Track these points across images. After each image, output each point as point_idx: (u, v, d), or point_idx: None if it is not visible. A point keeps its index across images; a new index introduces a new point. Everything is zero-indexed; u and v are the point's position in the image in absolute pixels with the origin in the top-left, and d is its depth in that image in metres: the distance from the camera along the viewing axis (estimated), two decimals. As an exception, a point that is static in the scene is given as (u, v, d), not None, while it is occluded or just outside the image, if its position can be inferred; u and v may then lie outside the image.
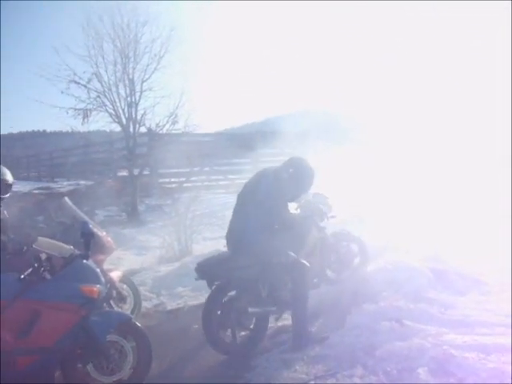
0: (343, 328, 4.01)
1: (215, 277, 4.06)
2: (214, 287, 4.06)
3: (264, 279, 4.10)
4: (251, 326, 4.12)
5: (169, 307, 5.64)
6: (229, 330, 4.03)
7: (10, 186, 4.50)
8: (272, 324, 4.33)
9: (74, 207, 5.04)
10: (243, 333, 4.15)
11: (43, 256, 3.31)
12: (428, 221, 6.84)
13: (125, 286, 5.01)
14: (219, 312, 3.99)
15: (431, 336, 3.47)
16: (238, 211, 4.24)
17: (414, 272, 4.50)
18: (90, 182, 16.41)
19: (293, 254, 4.05)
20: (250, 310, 3.99)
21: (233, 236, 4.18)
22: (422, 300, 4.10)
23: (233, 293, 4.10)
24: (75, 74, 11.73)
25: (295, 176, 4.17)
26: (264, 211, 3.99)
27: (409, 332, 3.59)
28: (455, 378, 2.97)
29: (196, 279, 4.21)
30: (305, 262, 4.07)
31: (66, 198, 5.23)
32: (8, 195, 4.47)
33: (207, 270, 4.05)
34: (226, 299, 4.07)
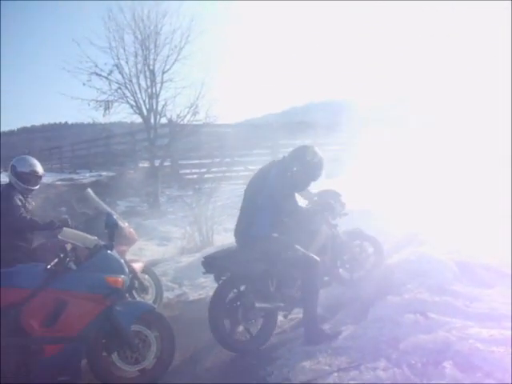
0: (366, 320, 3.96)
1: (222, 270, 3.99)
2: (220, 282, 4.00)
3: (272, 274, 4.03)
4: (259, 324, 4.04)
5: (191, 297, 5.69)
6: (235, 326, 3.97)
7: (40, 177, 4.70)
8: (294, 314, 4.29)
9: (96, 198, 5.10)
10: (251, 329, 4.06)
11: (68, 246, 3.36)
12: (451, 213, 6.74)
13: (146, 277, 5.07)
14: (226, 307, 3.93)
15: (456, 329, 3.41)
16: (245, 206, 4.16)
17: (439, 264, 4.42)
18: (111, 174, 16.60)
19: (301, 248, 3.97)
20: (258, 305, 3.90)
21: (240, 231, 4.11)
22: (447, 293, 4.03)
23: (240, 288, 4.02)
24: (96, 66, 11.90)
25: (303, 165, 4.06)
26: (272, 204, 3.92)
27: (433, 325, 3.53)
28: (482, 371, 2.91)
29: (203, 273, 4.18)
30: (315, 256, 3.98)
31: (89, 189, 5.29)
32: (37, 187, 4.59)
33: (214, 263, 3.98)
34: (232, 294, 4.00)
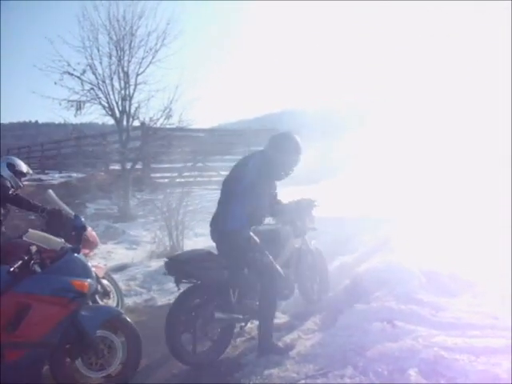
0: (334, 328, 3.99)
1: (184, 275, 3.85)
2: (181, 292, 3.87)
3: (235, 283, 3.94)
4: (215, 336, 3.94)
5: (159, 302, 5.62)
6: (192, 337, 3.83)
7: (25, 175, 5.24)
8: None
9: (58, 200, 4.97)
10: (207, 341, 3.95)
11: (33, 249, 3.27)
12: (424, 221, 6.87)
13: (106, 282, 4.96)
14: (184, 318, 3.80)
15: (422, 337, 3.47)
16: (223, 197, 4.05)
17: (406, 273, 4.49)
18: (81, 175, 16.32)
19: (270, 256, 3.88)
20: (217, 315, 3.80)
21: (216, 224, 3.99)
22: (414, 301, 4.09)
23: (201, 298, 3.88)
24: (69, 65, 11.62)
25: (281, 152, 3.94)
26: (252, 192, 3.80)
27: (400, 333, 3.58)
28: (445, 379, 2.97)
29: (164, 274, 4.10)
30: (280, 270, 3.93)
31: (50, 191, 5.17)
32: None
33: (177, 266, 3.84)
34: (193, 304, 3.86)
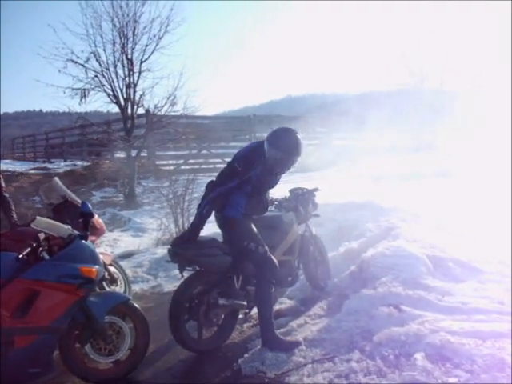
0: (341, 313, 4.01)
1: (187, 262, 3.82)
2: (184, 279, 3.86)
3: (238, 270, 3.94)
4: (219, 322, 3.94)
5: (166, 289, 5.65)
6: (196, 324, 3.85)
7: None
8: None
9: (64, 187, 4.99)
10: (211, 327, 3.95)
11: (41, 236, 3.29)
12: (431, 209, 6.88)
13: (113, 269, 5.00)
14: (187, 305, 3.79)
15: (428, 322, 3.49)
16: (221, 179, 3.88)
17: (413, 259, 4.49)
18: (86, 163, 16.36)
19: (266, 247, 3.82)
20: (221, 302, 3.81)
21: (217, 210, 3.88)
22: (420, 287, 4.10)
23: (205, 284, 3.87)
24: (73, 53, 11.59)
25: (281, 151, 3.76)
26: (253, 187, 3.77)
27: (406, 318, 3.60)
28: (451, 363, 2.99)
29: (167, 261, 4.10)
30: (276, 261, 3.85)
31: (56, 178, 5.19)
32: None
33: (180, 253, 3.79)
34: (196, 291, 3.84)
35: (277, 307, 4.40)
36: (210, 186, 3.79)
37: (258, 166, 3.75)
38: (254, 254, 3.79)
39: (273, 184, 3.99)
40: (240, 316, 4.18)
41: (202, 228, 3.80)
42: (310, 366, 3.32)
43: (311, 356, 3.45)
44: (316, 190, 4.81)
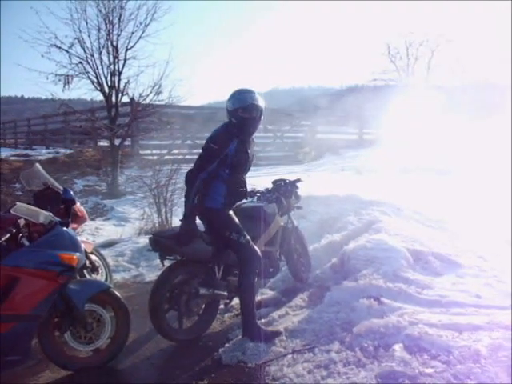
0: (322, 304, 4.05)
1: (168, 251, 3.81)
2: (165, 268, 3.84)
3: (219, 260, 3.93)
4: (200, 311, 3.94)
5: (147, 278, 5.64)
6: (176, 313, 3.84)
7: None
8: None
9: (45, 174, 4.93)
10: (191, 317, 3.95)
11: (21, 222, 3.25)
12: (412, 202, 6.97)
13: (94, 258, 4.96)
14: (168, 294, 3.78)
15: (408, 314, 3.55)
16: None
17: (394, 252, 4.54)
18: (69, 151, 16.15)
19: (248, 237, 3.80)
20: (202, 291, 3.81)
21: (199, 201, 3.78)
22: (401, 280, 4.16)
23: (186, 274, 3.86)
24: (56, 38, 11.35)
25: (245, 106, 3.71)
26: (231, 170, 3.72)
27: (386, 310, 3.65)
28: (429, 354, 3.05)
29: (148, 250, 4.08)
30: (259, 251, 3.84)
31: (37, 165, 5.12)
32: None
33: (161, 242, 3.76)
34: (177, 280, 3.83)
35: (258, 298, 4.41)
36: (192, 175, 3.73)
37: (232, 140, 3.72)
38: (237, 244, 3.77)
39: (249, 163, 3.88)
40: (221, 306, 4.19)
41: (195, 219, 3.77)
42: (290, 356, 3.36)
43: (291, 346, 3.49)
44: (298, 180, 4.83)
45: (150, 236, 3.91)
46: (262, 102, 3.80)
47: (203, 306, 3.95)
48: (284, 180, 4.81)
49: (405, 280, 4.17)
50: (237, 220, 3.84)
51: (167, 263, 3.88)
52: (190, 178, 3.74)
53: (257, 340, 3.60)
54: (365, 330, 3.42)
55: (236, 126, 3.76)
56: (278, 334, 3.67)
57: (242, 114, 3.73)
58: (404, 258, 4.53)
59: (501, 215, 6.26)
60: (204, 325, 4.00)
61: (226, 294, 4.03)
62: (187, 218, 3.69)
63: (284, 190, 4.65)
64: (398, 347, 3.13)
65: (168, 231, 4.04)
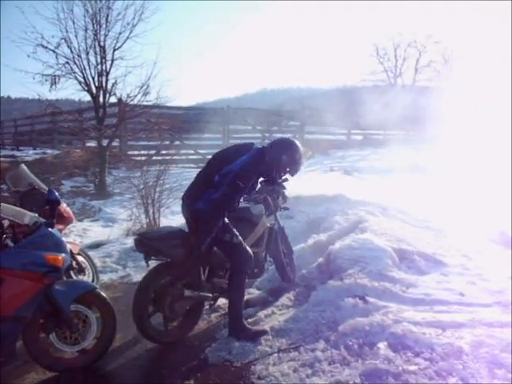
0: (308, 303, 4.08)
1: (153, 252, 3.74)
2: (149, 270, 3.80)
3: (204, 262, 3.89)
4: (184, 313, 3.90)
5: (134, 279, 5.61)
6: (160, 315, 3.81)
7: None
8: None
9: (31, 175, 4.90)
10: (175, 319, 3.91)
11: (6, 223, 3.24)
12: (398, 202, 7.04)
13: (81, 259, 4.94)
14: (152, 295, 3.75)
15: (392, 313, 3.59)
16: (200, 178, 3.89)
17: (379, 251, 4.59)
18: (56, 152, 16.04)
19: (240, 237, 3.82)
20: (187, 293, 3.76)
21: (187, 202, 3.84)
22: (386, 279, 4.21)
23: (170, 275, 3.81)
24: (43, 38, 11.29)
25: (289, 158, 3.88)
26: (227, 181, 3.68)
27: (371, 309, 3.70)
28: (412, 351, 3.10)
29: (133, 250, 4.04)
30: (250, 250, 3.86)
31: (23, 165, 5.09)
32: None
33: (146, 243, 3.72)
34: (161, 282, 3.79)
35: (245, 297, 4.43)
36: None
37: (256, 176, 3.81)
38: (230, 245, 3.78)
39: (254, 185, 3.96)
40: (206, 307, 4.19)
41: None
42: (275, 355, 3.38)
43: (277, 345, 3.51)
44: (285, 180, 4.81)
45: (135, 237, 3.89)
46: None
47: (187, 307, 3.92)
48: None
49: (390, 279, 4.22)
50: (227, 220, 3.82)
51: (152, 263, 3.85)
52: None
53: (243, 339, 3.62)
54: (350, 328, 3.46)
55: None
56: (263, 333, 3.69)
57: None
58: (389, 257, 4.58)
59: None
60: (188, 326, 3.98)
61: (210, 295, 4.01)
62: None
63: (271, 190, 4.66)
64: (382, 345, 3.17)
65: (153, 232, 4.02)
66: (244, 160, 3.75)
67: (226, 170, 3.73)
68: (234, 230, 3.82)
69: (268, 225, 4.57)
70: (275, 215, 4.76)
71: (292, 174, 4.05)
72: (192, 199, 3.80)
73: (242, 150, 3.87)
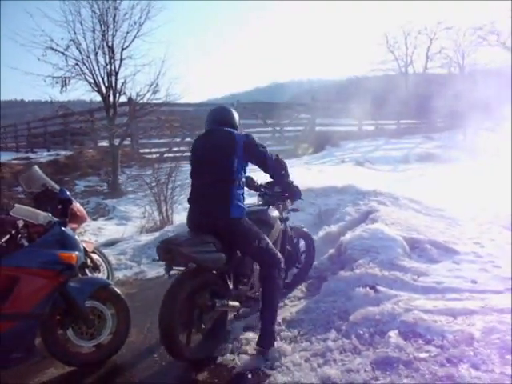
0: (319, 294, 4.11)
1: (182, 258, 3.31)
2: (173, 281, 3.35)
3: (231, 268, 3.60)
4: (210, 326, 3.51)
5: (149, 275, 5.70)
6: (188, 330, 3.43)
7: None
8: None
9: (44, 175, 4.98)
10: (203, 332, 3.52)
11: (20, 223, 3.31)
12: (410, 192, 7.02)
13: (96, 257, 5.02)
14: (179, 310, 3.30)
15: (403, 301, 3.60)
16: (208, 179, 3.53)
17: (390, 241, 4.59)
18: (69, 153, 16.23)
19: (269, 240, 3.60)
20: (218, 303, 3.40)
21: (207, 208, 3.50)
22: (397, 268, 4.21)
23: (195, 287, 3.41)
24: (52, 40, 11.45)
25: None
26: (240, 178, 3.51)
27: (382, 298, 3.71)
28: (423, 339, 3.10)
29: (154, 260, 3.78)
30: (279, 254, 3.62)
31: (36, 167, 5.18)
32: None
33: (171, 248, 3.30)
34: (187, 292, 3.35)
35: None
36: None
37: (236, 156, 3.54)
38: (263, 251, 3.54)
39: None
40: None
41: None
42: (287, 345, 3.41)
43: (289, 336, 3.55)
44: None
45: (158, 244, 3.43)
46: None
47: (213, 319, 3.55)
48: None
49: (401, 268, 4.22)
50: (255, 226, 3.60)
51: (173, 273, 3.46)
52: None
53: (257, 322, 3.58)
54: (361, 317, 3.48)
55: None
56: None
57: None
58: (400, 246, 4.58)
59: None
60: (216, 341, 3.60)
61: (238, 304, 3.68)
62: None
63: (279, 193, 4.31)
64: (393, 333, 3.19)
65: (178, 238, 3.50)
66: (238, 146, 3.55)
67: (235, 164, 3.49)
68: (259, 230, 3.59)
69: (281, 228, 4.32)
70: (282, 217, 4.44)
71: None
72: (220, 209, 3.47)
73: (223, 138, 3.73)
